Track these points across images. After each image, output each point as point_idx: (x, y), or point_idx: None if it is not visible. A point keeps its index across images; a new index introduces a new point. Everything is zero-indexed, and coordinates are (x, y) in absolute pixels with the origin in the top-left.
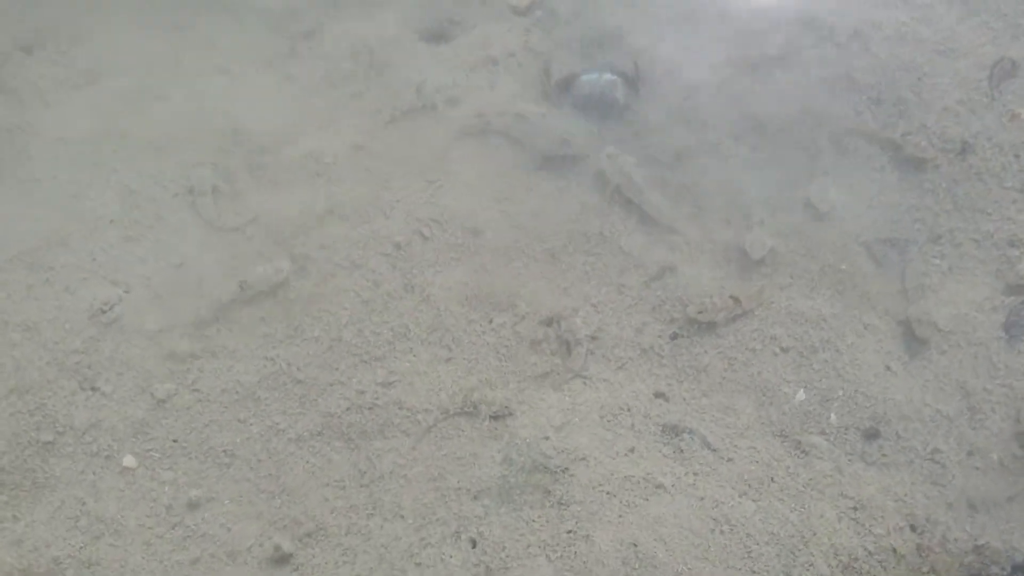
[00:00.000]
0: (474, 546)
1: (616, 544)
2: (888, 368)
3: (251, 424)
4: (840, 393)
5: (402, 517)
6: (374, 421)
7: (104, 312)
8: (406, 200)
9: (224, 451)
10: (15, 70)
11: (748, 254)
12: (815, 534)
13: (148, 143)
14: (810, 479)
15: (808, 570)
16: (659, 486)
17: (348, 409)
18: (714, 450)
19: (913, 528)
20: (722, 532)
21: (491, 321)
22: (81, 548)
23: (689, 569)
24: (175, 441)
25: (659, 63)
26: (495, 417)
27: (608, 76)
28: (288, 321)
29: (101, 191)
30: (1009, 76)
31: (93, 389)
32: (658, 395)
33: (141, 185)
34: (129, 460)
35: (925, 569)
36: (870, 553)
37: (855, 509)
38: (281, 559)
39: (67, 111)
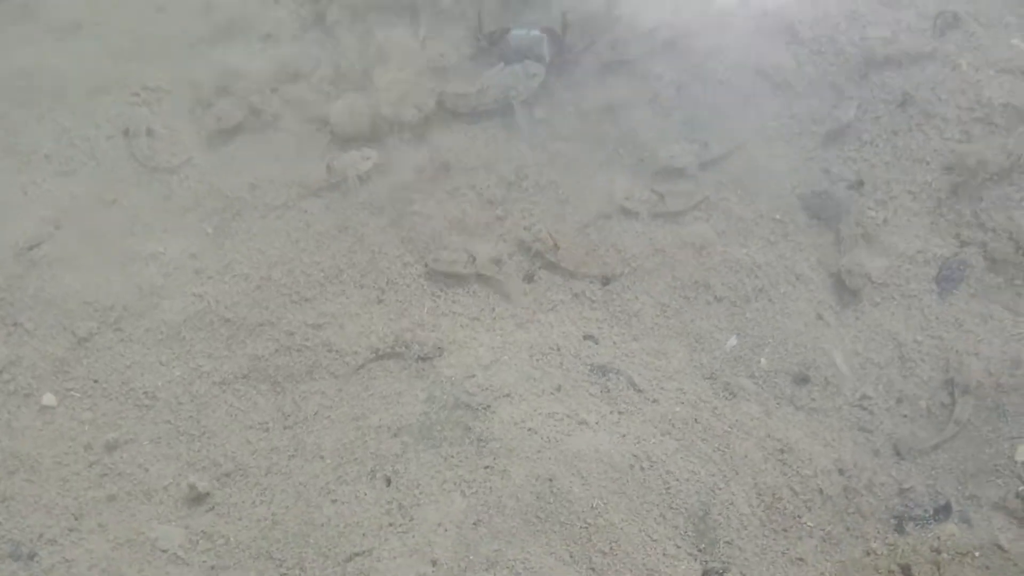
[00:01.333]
0: (389, 484)
1: (532, 479)
2: (820, 317)
3: (174, 366)
4: (771, 341)
5: (322, 457)
6: (303, 363)
7: (32, 249)
8: None
9: (145, 393)
10: None
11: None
12: (737, 473)
13: (84, 82)
14: (736, 420)
15: (728, 508)
16: (582, 422)
17: (276, 351)
18: (640, 391)
19: (841, 472)
20: (642, 468)
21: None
22: None
23: (604, 503)
24: (96, 381)
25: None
26: (424, 358)
27: (535, 33)
28: (219, 258)
29: (34, 127)
30: (951, 27)
31: (15, 325)
32: (588, 337)
33: (75, 123)
34: (48, 398)
35: (851, 511)
36: (795, 493)
37: (782, 452)
38: (197, 498)
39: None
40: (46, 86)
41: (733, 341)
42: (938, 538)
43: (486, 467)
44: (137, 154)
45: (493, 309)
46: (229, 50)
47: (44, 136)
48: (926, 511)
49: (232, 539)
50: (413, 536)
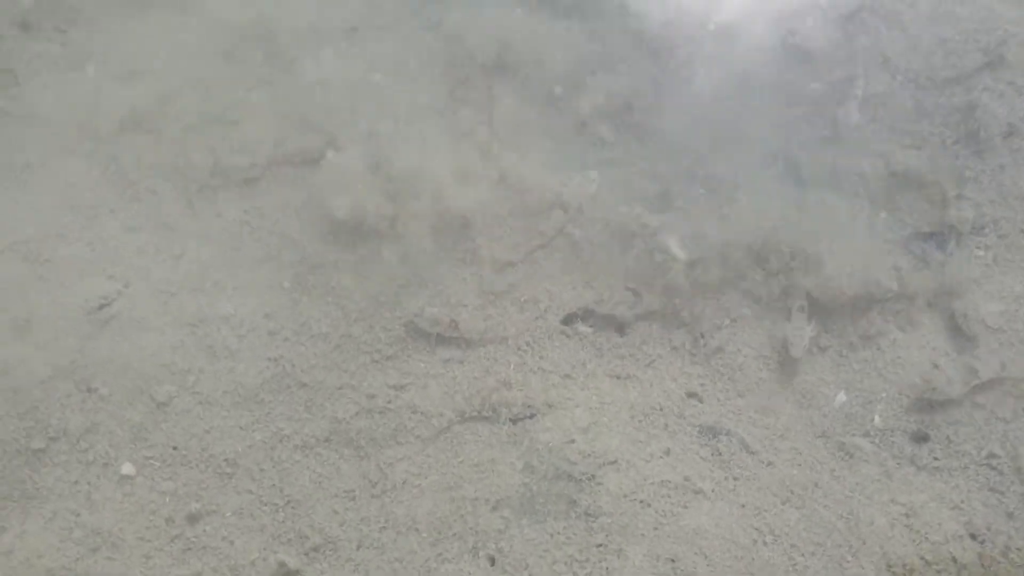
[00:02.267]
0: (493, 563)
1: (652, 559)
2: (936, 366)
3: (254, 431)
4: (884, 395)
5: (416, 530)
6: (385, 426)
7: (102, 308)
8: None
9: (226, 460)
10: (10, 48)
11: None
12: (865, 543)
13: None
14: (856, 483)
15: None
16: (698, 492)
17: (357, 414)
18: (753, 452)
19: (973, 536)
20: (765, 543)
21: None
22: (76, 560)
23: None
24: (175, 448)
25: None
26: (515, 420)
27: None
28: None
29: (98, 179)
30: None
31: (89, 391)
32: (691, 395)
33: (140, 174)
34: (128, 468)
35: None
36: (927, 563)
37: (907, 516)
38: (287, 575)
39: (62, 92)
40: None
41: (842, 397)
42: None
43: (599, 545)
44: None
45: (584, 365)
46: None
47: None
48: None
49: None
50: None
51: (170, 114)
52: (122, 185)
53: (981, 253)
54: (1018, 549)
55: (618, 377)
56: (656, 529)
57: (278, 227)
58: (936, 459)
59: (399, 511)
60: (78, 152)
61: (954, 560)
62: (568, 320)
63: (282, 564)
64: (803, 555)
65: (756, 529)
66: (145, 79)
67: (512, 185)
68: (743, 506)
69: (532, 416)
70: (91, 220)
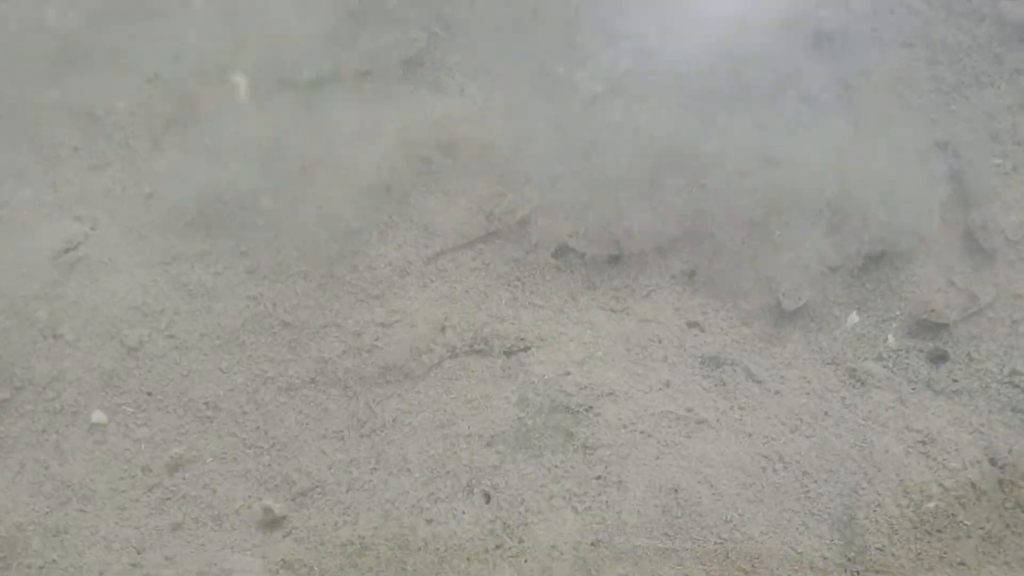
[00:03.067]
0: (488, 500)
1: (654, 490)
2: (952, 284)
3: (235, 373)
4: (898, 313)
5: (408, 471)
6: (373, 365)
7: (67, 251)
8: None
9: (205, 404)
10: None
11: None
12: (880, 471)
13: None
14: (869, 412)
15: (875, 510)
16: (701, 421)
17: (343, 353)
18: (759, 382)
19: (993, 462)
20: (775, 471)
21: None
22: (46, 514)
23: (740, 514)
24: (150, 394)
25: None
26: (508, 353)
27: None
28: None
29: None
30: None
31: (55, 337)
32: (692, 325)
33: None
34: (98, 416)
35: (1009, 505)
36: (946, 489)
37: (924, 442)
38: (273, 522)
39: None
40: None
41: (854, 318)
42: None
43: (598, 478)
44: None
45: (576, 299)
46: None
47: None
48: None
49: (316, 568)
50: (527, 561)
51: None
52: (86, 122)
53: (999, 162)
54: None
55: (613, 311)
56: (658, 459)
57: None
58: (955, 381)
59: (390, 451)
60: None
61: (973, 486)
62: (559, 252)
63: (268, 510)
64: (815, 482)
65: (765, 457)
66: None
67: None
68: (750, 435)
69: (526, 349)
70: (53, 159)
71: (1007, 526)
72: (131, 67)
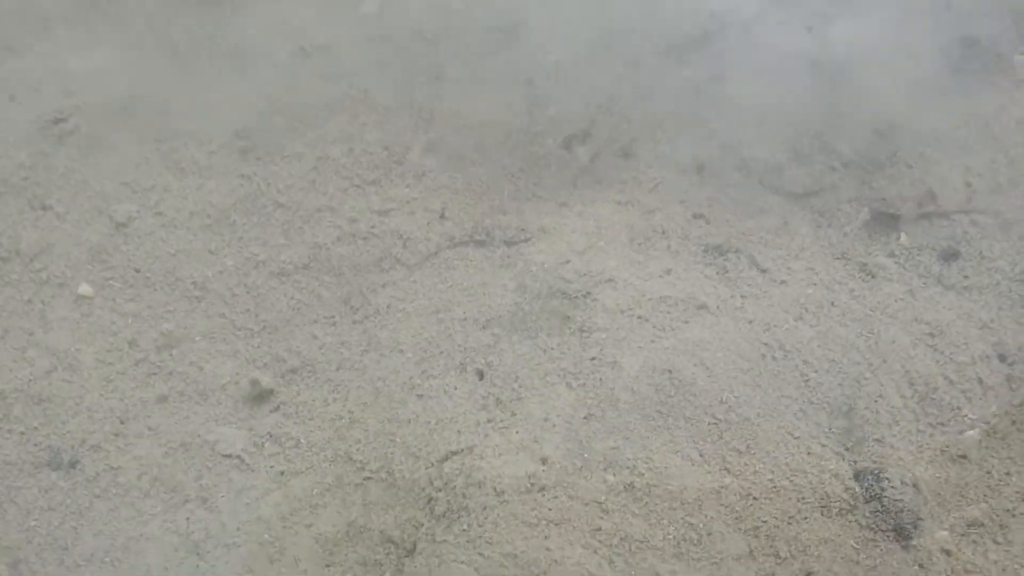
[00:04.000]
0: (482, 377)
1: (648, 370)
2: (969, 184)
3: (225, 256)
4: (911, 211)
5: (401, 351)
6: (369, 253)
7: (57, 123)
8: None
9: (194, 284)
10: None
11: None
12: (885, 361)
13: None
14: (878, 303)
15: (877, 400)
16: (701, 307)
17: (339, 239)
18: (764, 271)
19: (1002, 358)
20: (774, 358)
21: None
22: (30, 381)
23: (735, 396)
24: (137, 271)
25: None
26: (509, 243)
27: None
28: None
29: None
30: None
31: (44, 208)
32: (698, 216)
33: None
34: (85, 288)
35: (1016, 401)
36: (951, 383)
37: (932, 336)
38: (260, 396)
39: None
40: None
41: (865, 214)
42: None
43: (592, 359)
44: None
45: (582, 191)
46: None
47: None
48: None
49: (303, 441)
50: (517, 432)
51: None
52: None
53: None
54: None
55: (619, 203)
56: (653, 342)
57: (251, 45)
58: (966, 277)
59: (383, 335)
60: None
61: (980, 381)
62: (567, 143)
63: (255, 382)
64: (816, 371)
65: (764, 344)
66: None
67: None
68: (751, 322)
69: (527, 240)
70: (45, 32)
71: (1013, 423)
72: None
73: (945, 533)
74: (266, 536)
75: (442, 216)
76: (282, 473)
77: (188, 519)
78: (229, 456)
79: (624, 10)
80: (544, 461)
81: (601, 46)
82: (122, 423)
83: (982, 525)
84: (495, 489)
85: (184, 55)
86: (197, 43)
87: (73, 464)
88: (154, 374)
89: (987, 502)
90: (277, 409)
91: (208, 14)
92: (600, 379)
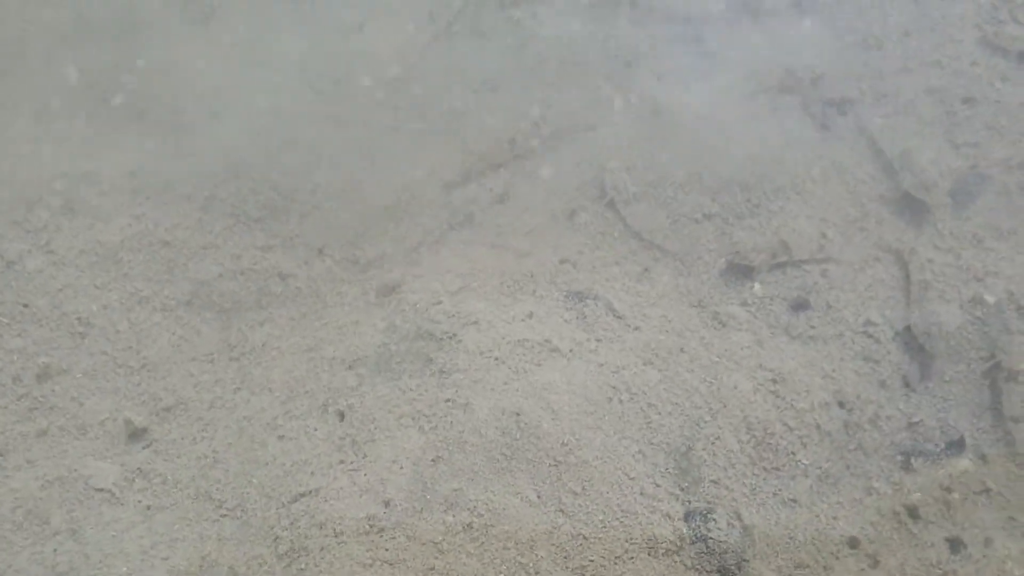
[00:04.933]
0: (342, 419)
1: (497, 412)
2: (824, 236)
3: (111, 291)
4: (766, 260)
5: (270, 391)
6: (249, 289)
7: None
8: None
9: (79, 319)
10: None
11: None
12: (725, 406)
13: None
14: (725, 350)
15: (714, 444)
16: (554, 350)
17: (220, 276)
18: (620, 317)
19: (841, 405)
20: (620, 401)
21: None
22: None
23: (576, 439)
24: (25, 306)
25: None
26: (382, 291)
27: None
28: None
29: None
30: None
31: None
32: (564, 261)
33: None
34: None
35: (852, 447)
36: (789, 428)
37: (774, 382)
38: (134, 434)
39: None
40: None
41: (722, 264)
42: (950, 476)
43: (447, 400)
44: None
45: (458, 232)
46: None
47: None
48: (937, 446)
49: (170, 477)
50: (364, 474)
51: None
52: None
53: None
54: (887, 417)
55: (494, 246)
56: (506, 384)
57: (147, 87)
58: (812, 327)
59: (256, 372)
60: None
61: (818, 427)
62: (450, 187)
63: (128, 422)
64: (659, 414)
65: (612, 387)
66: None
67: None
68: (601, 365)
69: (399, 286)
70: None
71: (847, 467)
72: None
73: (772, 575)
74: (124, 569)
75: (321, 252)
76: (148, 508)
77: (56, 551)
78: (101, 490)
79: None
80: (387, 503)
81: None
82: (1, 456)
83: (807, 567)
84: (335, 530)
85: (80, 96)
86: (92, 84)
87: None
88: (35, 408)
89: (814, 545)
90: (149, 446)
91: (106, 55)
92: (451, 422)
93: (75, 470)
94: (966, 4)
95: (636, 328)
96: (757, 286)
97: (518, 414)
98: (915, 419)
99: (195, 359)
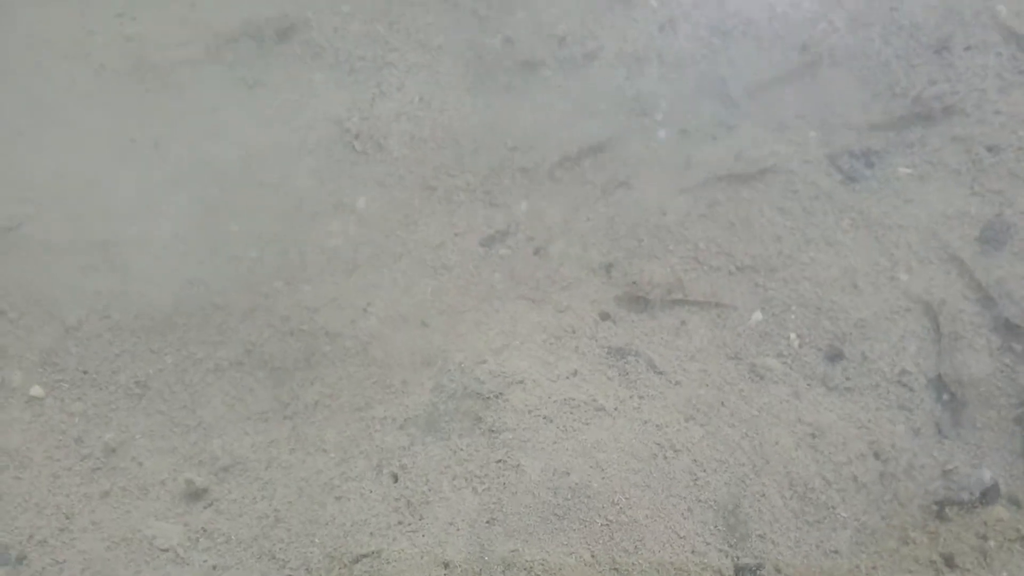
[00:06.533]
0: (396, 480)
1: (548, 473)
2: (855, 286)
3: (166, 354)
4: (801, 312)
5: (324, 451)
6: (298, 349)
7: (11, 231)
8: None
9: (136, 383)
10: None
11: None
12: (768, 462)
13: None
14: (764, 404)
15: (760, 500)
16: (600, 409)
17: (271, 337)
18: (661, 373)
19: (877, 456)
20: (665, 458)
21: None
22: None
23: (627, 498)
24: (85, 372)
25: None
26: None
27: None
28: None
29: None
30: None
31: None
32: (604, 316)
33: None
34: (37, 390)
35: (888, 498)
36: (828, 483)
37: (813, 436)
38: (195, 494)
39: None
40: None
41: (758, 316)
42: (985, 523)
43: (499, 461)
44: None
45: (495, 288)
46: None
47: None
48: (971, 494)
49: (233, 537)
50: (423, 536)
51: None
52: (36, 104)
53: (907, 171)
54: (921, 467)
55: (532, 300)
56: (555, 444)
57: (191, 150)
58: (848, 378)
59: (309, 432)
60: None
61: (855, 479)
62: (487, 242)
63: (190, 482)
64: (704, 471)
65: (657, 444)
66: None
67: None
68: (645, 423)
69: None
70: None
71: (883, 518)
72: None
73: None
74: None
75: (365, 311)
76: (214, 567)
77: None
78: (166, 550)
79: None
80: (446, 565)
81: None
82: (68, 518)
83: None
84: None
85: (129, 160)
86: (140, 148)
87: (21, 560)
88: (98, 469)
89: None
90: (211, 505)
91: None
92: (504, 483)
93: (139, 531)
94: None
95: (677, 383)
96: (793, 336)
97: (568, 474)
98: (949, 467)
99: (249, 418)
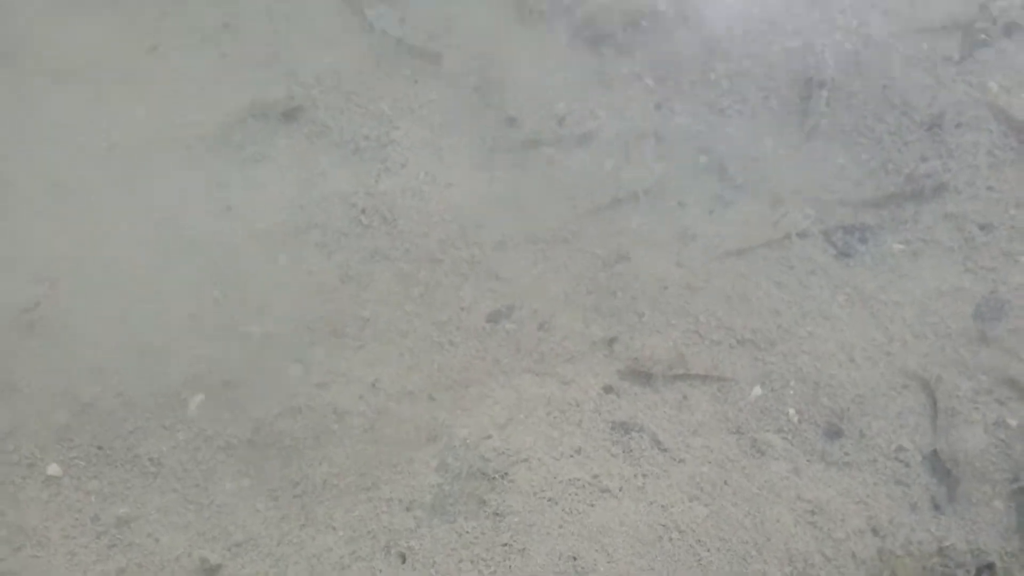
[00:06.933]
0: (404, 561)
1: (553, 557)
2: (852, 360)
3: (177, 431)
4: (798, 388)
5: (334, 529)
6: (306, 426)
7: (28, 311)
8: None
9: (151, 460)
10: None
11: None
12: (769, 540)
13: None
14: (766, 481)
15: None
16: (605, 490)
17: (279, 414)
18: (665, 450)
19: (875, 532)
20: (671, 540)
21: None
22: (1, 560)
23: None
24: (100, 448)
25: None
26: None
27: None
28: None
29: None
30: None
31: (13, 391)
32: (608, 390)
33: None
34: (54, 469)
35: (886, 574)
36: (827, 559)
37: (813, 513)
38: (209, 570)
39: None
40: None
41: (758, 391)
42: None
43: (504, 545)
44: None
45: (501, 361)
46: None
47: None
48: (968, 571)
49: None
50: None
51: None
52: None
53: (900, 247)
54: (918, 542)
55: (536, 374)
56: (561, 527)
57: (201, 227)
58: (847, 454)
59: (319, 511)
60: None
61: (853, 556)
62: (493, 317)
63: (204, 560)
64: (708, 551)
65: (662, 526)
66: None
67: None
68: (650, 503)
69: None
70: (15, 220)
71: None
72: None
73: None
74: None
75: (374, 386)
76: None
77: None
78: None
79: None
80: None
81: None
82: None
83: None
84: None
85: (141, 237)
86: (152, 225)
87: None
88: (114, 546)
89: None
90: None
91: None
92: (510, 567)
93: None
94: None
95: (681, 460)
96: (792, 411)
97: (575, 558)
98: (945, 543)
99: (259, 495)
